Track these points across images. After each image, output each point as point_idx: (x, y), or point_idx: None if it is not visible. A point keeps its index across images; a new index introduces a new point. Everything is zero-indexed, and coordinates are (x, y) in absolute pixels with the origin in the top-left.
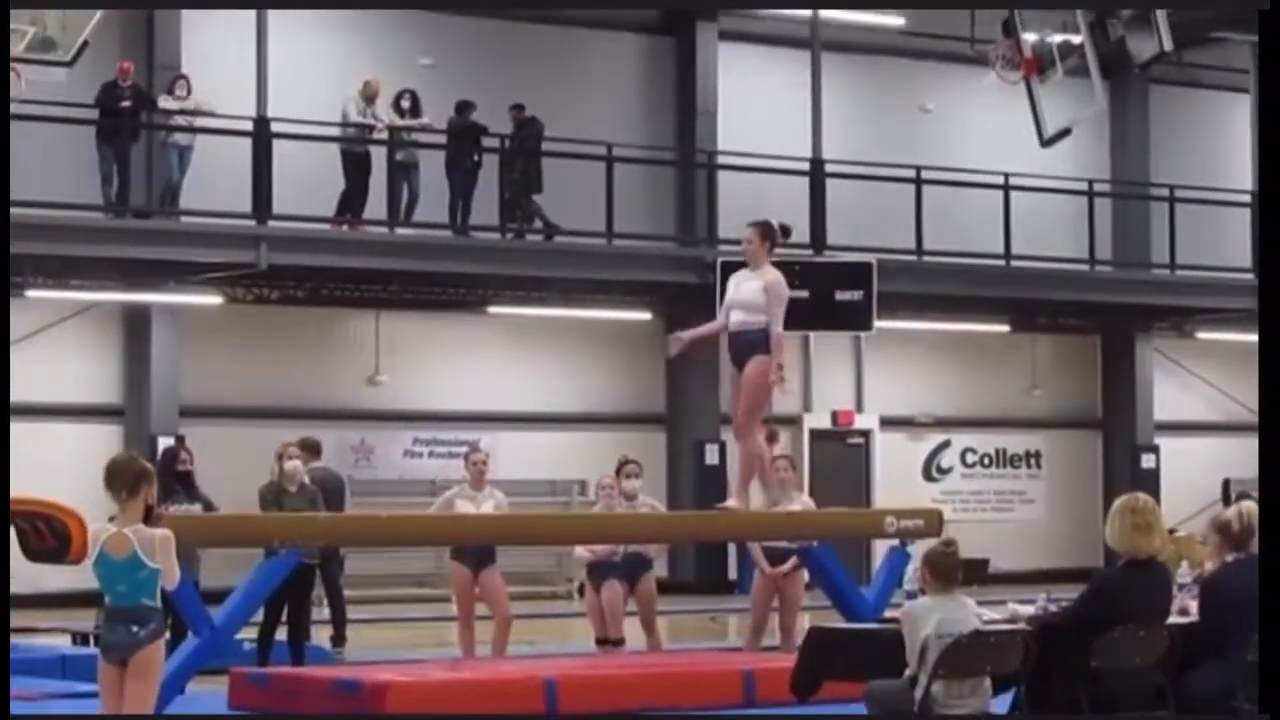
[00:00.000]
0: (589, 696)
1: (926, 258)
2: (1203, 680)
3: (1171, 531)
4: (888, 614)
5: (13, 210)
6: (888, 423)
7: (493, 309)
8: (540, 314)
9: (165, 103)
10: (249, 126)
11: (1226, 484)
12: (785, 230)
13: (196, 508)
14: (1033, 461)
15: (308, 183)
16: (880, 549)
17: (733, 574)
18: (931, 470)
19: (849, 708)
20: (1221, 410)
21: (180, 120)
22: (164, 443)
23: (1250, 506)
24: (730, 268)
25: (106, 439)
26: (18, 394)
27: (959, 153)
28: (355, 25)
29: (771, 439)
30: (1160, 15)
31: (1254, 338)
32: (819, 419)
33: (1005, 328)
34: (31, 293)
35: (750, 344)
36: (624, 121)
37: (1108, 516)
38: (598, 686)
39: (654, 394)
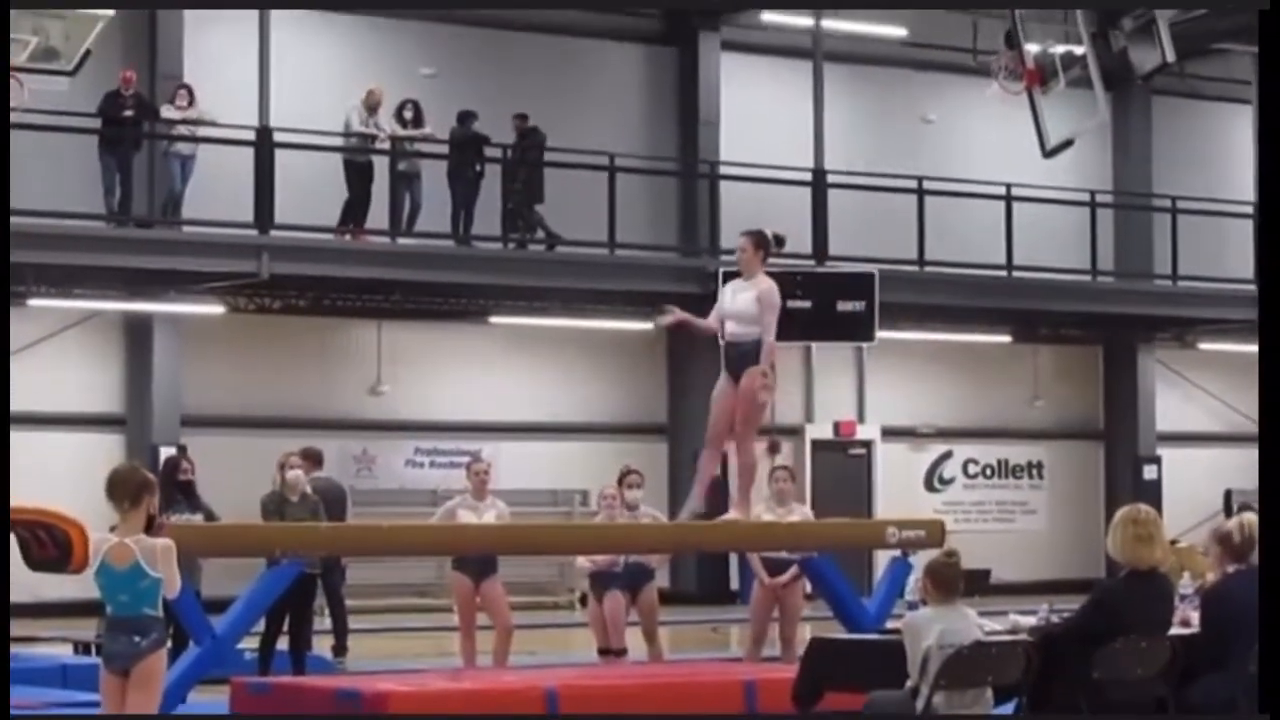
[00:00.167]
0: (590, 707)
1: (928, 268)
2: (1204, 691)
3: (1173, 542)
4: (889, 625)
5: (15, 219)
6: (889, 433)
7: (495, 319)
8: (542, 324)
9: (168, 112)
10: (251, 136)
11: (1228, 495)
12: (779, 240)
13: (198, 517)
14: (1034, 472)
15: (310, 193)
16: (882, 560)
17: (734, 584)
18: (933, 481)
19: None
20: (1223, 421)
21: (182, 130)
22: (166, 452)
23: (1251, 518)
24: (732, 278)
25: (108, 448)
26: (19, 403)
27: (961, 163)
28: (358, 35)
29: (773, 450)
30: (1163, 26)
31: (1256, 349)
32: (821, 429)
33: (1007, 338)
34: (33, 302)
35: (745, 355)
36: (626, 131)
37: (1109, 527)
38: (599, 697)
39: (656, 404)
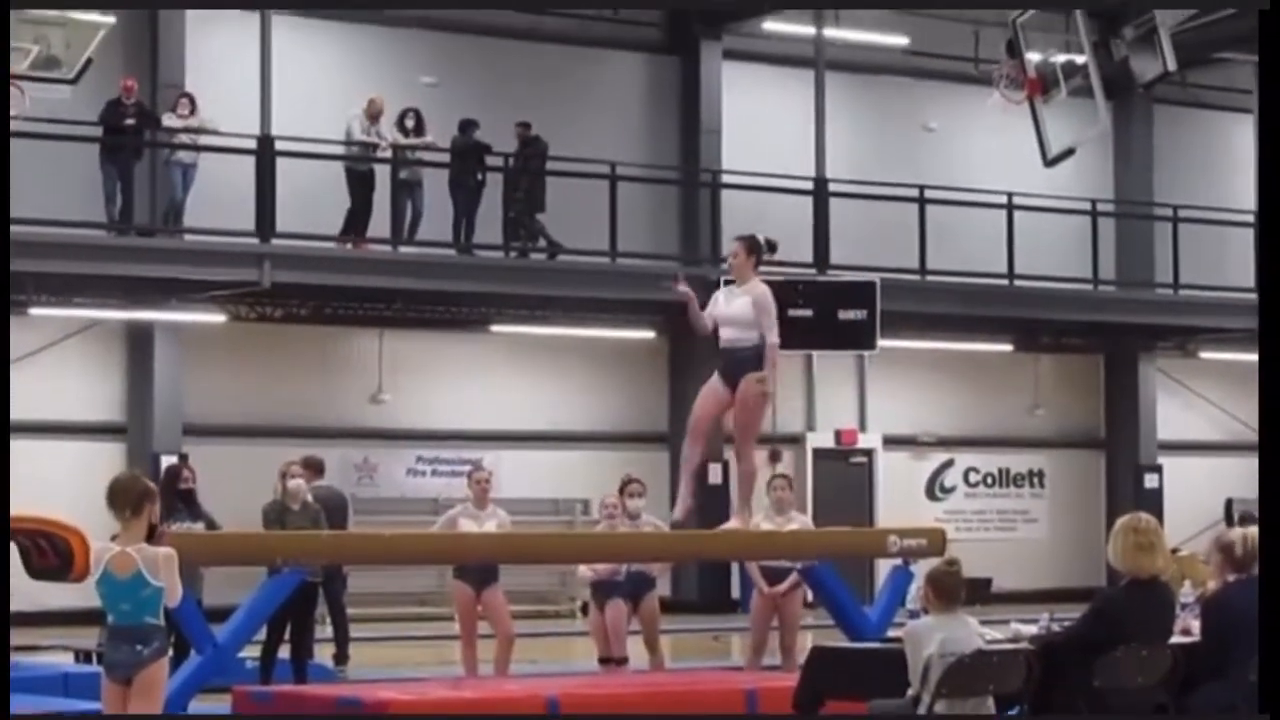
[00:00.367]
0: (591, 715)
1: (930, 277)
2: (1205, 699)
3: (1174, 551)
4: (891, 633)
5: (16, 228)
6: (891, 442)
7: (496, 328)
8: (543, 333)
9: (169, 121)
10: (253, 145)
11: (1229, 503)
12: (771, 245)
13: (199, 526)
14: (1036, 481)
15: (311, 201)
16: (883, 568)
17: (736, 593)
18: (934, 489)
19: None
20: (1224, 430)
21: (184, 138)
22: (167, 461)
23: (1255, 532)
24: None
25: (109, 457)
26: (20, 411)
27: (962, 172)
28: (359, 44)
29: (774, 458)
30: (1164, 35)
31: (1256, 357)
32: (822, 438)
33: (1008, 347)
34: (34, 310)
35: (742, 361)
36: (628, 140)
37: (1110, 536)
38: (600, 705)
39: (657, 413)
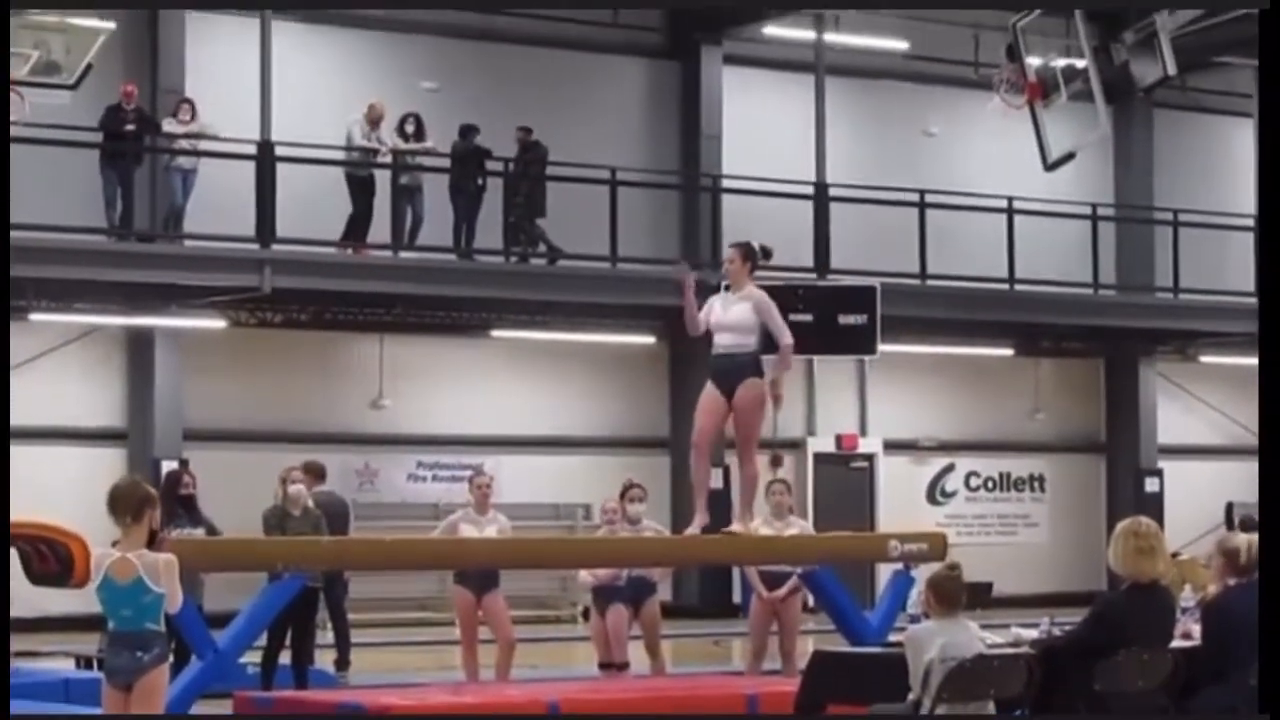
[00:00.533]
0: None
1: (930, 281)
2: (1205, 703)
3: (1174, 555)
4: (891, 637)
5: (16, 233)
6: (891, 446)
7: (496, 333)
8: (544, 338)
9: (169, 126)
10: (253, 150)
11: (1229, 507)
12: (766, 252)
13: (199, 532)
14: (1036, 485)
15: (311, 206)
16: (884, 573)
17: (737, 598)
18: (935, 494)
19: None
20: (1225, 434)
21: (184, 144)
22: (167, 466)
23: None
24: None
25: (109, 463)
26: (20, 417)
27: (963, 176)
28: (359, 49)
29: (776, 463)
30: (1164, 40)
31: (1257, 361)
32: (823, 443)
33: (1009, 351)
34: (34, 316)
35: (742, 366)
36: (628, 145)
37: (1111, 540)
38: (601, 710)
39: (658, 418)
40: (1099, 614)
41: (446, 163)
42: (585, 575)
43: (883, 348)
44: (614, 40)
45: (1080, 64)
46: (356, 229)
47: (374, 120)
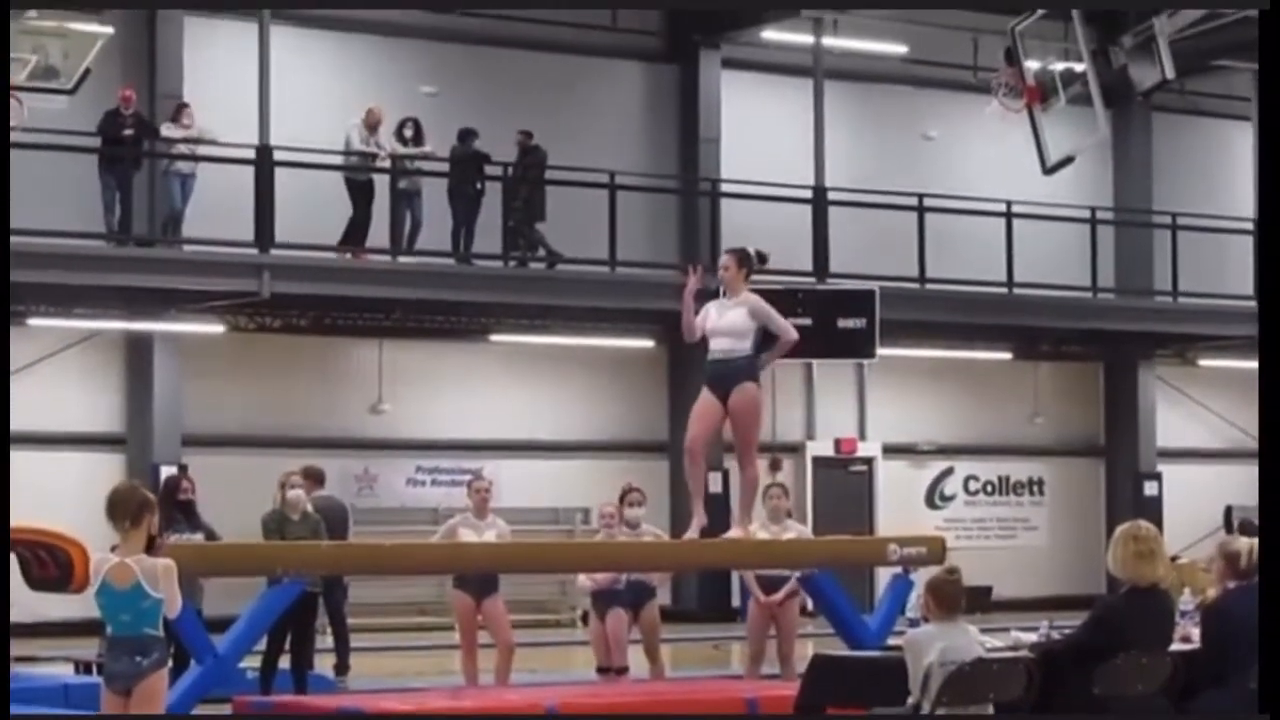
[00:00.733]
0: None
1: (929, 285)
2: (1205, 707)
3: (1174, 559)
4: (891, 641)
5: (15, 239)
6: (890, 450)
7: (495, 337)
8: (543, 342)
9: (167, 131)
10: (251, 155)
11: (1228, 511)
12: (762, 257)
13: (198, 537)
14: (1035, 489)
15: (310, 211)
16: (883, 577)
17: (736, 602)
18: (934, 498)
19: None
20: (1224, 437)
21: (182, 148)
22: (166, 472)
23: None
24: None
25: (109, 468)
26: (19, 423)
27: (961, 180)
28: (358, 53)
29: (775, 467)
30: (1163, 43)
31: (1256, 365)
32: (822, 447)
33: (1008, 355)
34: (33, 321)
35: (737, 371)
36: (627, 149)
37: (1110, 544)
38: (600, 714)
39: (656, 422)
40: (1098, 617)
41: (445, 167)
42: (584, 579)
43: (882, 351)
44: (612, 44)
45: (1079, 68)
46: (355, 234)
47: (372, 125)
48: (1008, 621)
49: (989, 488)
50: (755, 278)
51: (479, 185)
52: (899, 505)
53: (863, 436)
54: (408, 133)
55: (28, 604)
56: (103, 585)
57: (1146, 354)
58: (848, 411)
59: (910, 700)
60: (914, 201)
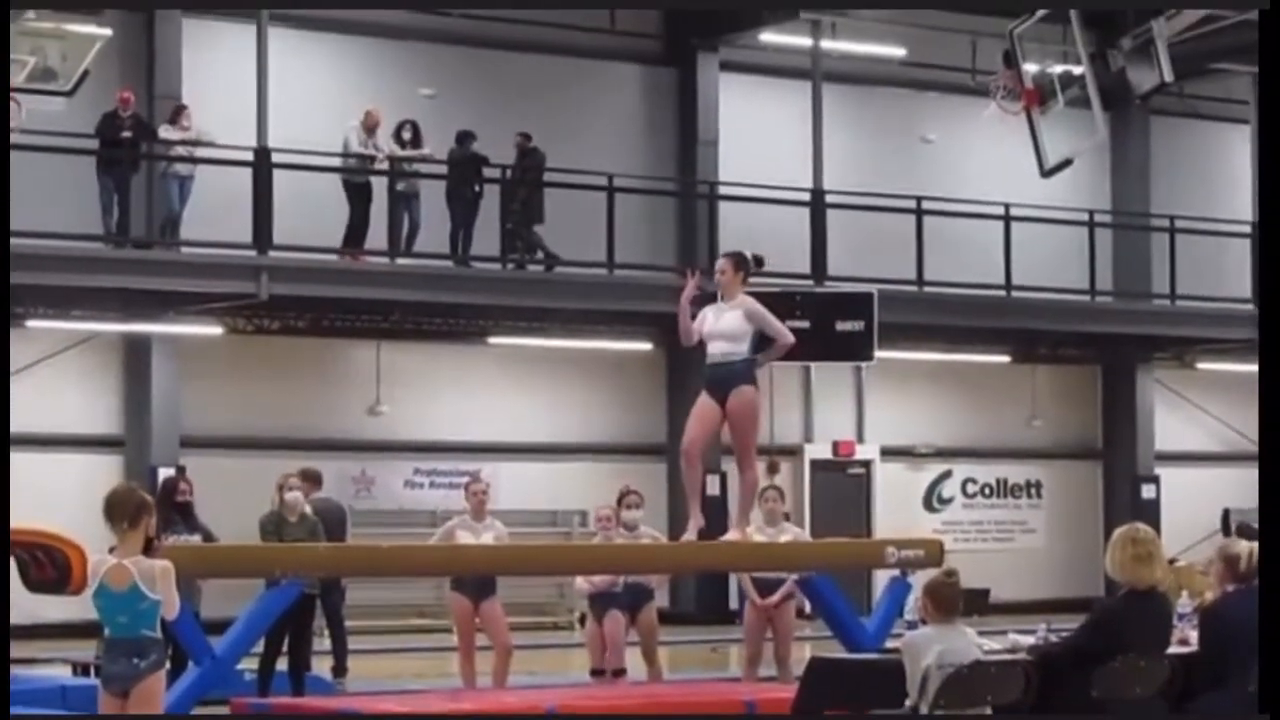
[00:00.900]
0: None
1: (927, 288)
2: (1204, 709)
3: (1172, 562)
4: (889, 644)
5: (13, 240)
6: (888, 453)
7: (493, 339)
8: (541, 344)
9: (166, 133)
10: (249, 157)
11: (1226, 514)
12: (758, 260)
13: (196, 538)
14: (1033, 492)
15: (309, 213)
16: (881, 579)
17: (734, 604)
18: (932, 500)
19: None
20: (1222, 441)
21: (181, 150)
22: (164, 473)
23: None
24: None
25: (107, 469)
26: (18, 424)
27: (960, 183)
28: (356, 56)
29: (773, 469)
30: (1161, 46)
31: (1255, 368)
32: (820, 449)
33: (1006, 358)
34: (31, 323)
35: (733, 374)
36: (625, 152)
37: (1108, 547)
38: (599, 716)
39: (654, 424)
40: (1096, 620)
41: (444, 169)
42: (581, 582)
43: (880, 354)
44: (611, 47)
45: (1077, 70)
46: (354, 236)
47: (371, 127)
48: (1006, 624)
49: (987, 490)
50: (753, 280)
51: (477, 187)
52: (897, 508)
53: (861, 439)
54: (406, 135)
55: (25, 606)
56: (100, 587)
57: (1144, 357)
58: (845, 414)
59: (908, 703)
60: (912, 204)
